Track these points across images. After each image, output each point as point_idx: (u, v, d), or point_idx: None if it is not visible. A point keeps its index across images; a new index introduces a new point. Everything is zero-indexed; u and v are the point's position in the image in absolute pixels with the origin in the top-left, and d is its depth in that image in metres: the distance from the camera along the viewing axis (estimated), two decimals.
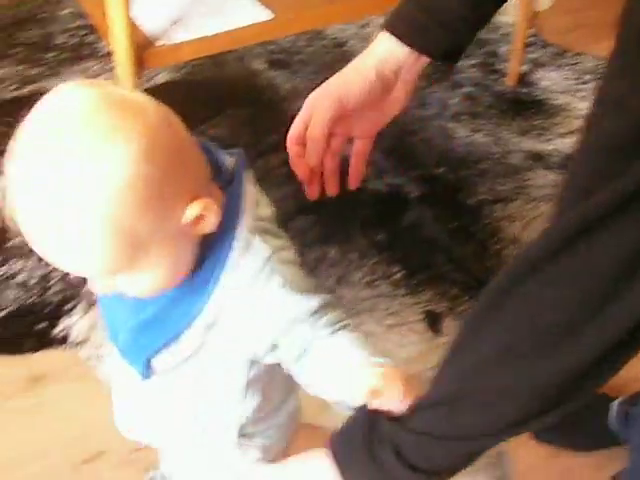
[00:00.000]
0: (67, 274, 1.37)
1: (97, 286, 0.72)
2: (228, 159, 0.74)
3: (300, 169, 0.87)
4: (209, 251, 0.72)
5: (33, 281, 1.50)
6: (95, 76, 1.93)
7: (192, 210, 0.67)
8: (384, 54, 0.84)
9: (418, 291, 1.51)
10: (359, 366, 0.70)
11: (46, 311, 1.46)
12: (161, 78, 1.94)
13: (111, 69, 1.72)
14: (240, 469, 0.88)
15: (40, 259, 0.69)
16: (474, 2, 0.83)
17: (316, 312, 0.72)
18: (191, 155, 0.68)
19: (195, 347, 0.76)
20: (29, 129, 0.64)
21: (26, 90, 1.90)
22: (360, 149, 0.90)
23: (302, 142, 0.85)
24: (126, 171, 0.62)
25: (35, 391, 1.35)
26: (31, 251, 0.67)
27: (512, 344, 0.60)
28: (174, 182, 0.66)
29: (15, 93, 1.90)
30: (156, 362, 0.78)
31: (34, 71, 1.95)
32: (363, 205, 1.66)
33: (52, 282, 1.49)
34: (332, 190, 0.89)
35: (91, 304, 1.44)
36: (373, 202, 1.67)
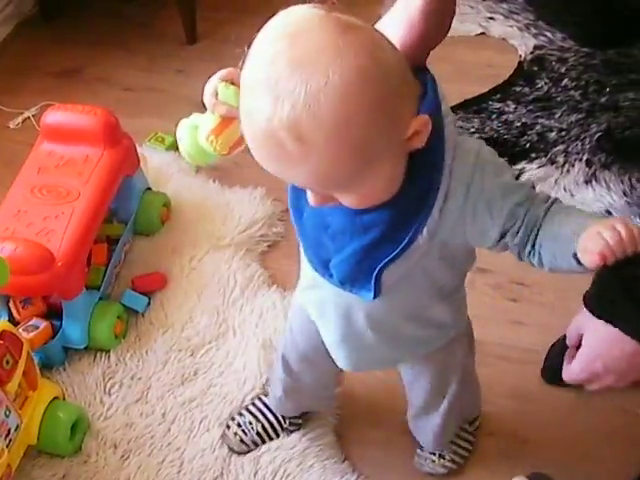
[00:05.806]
0: None
1: (315, 198, 0.78)
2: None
3: None
4: (419, 165, 0.78)
5: None
6: None
7: (415, 124, 0.73)
8: None
9: None
10: (584, 227, 0.75)
11: None
12: None
13: None
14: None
15: None
16: None
17: (530, 194, 0.80)
18: (409, 74, 0.75)
19: (422, 253, 0.83)
20: (267, 40, 0.70)
21: None
22: None
23: None
24: (359, 84, 0.68)
25: None
26: None
27: None
28: (401, 99, 0.73)
29: None
30: (386, 276, 0.85)
31: None
32: None
33: None
34: None
35: None
36: None
